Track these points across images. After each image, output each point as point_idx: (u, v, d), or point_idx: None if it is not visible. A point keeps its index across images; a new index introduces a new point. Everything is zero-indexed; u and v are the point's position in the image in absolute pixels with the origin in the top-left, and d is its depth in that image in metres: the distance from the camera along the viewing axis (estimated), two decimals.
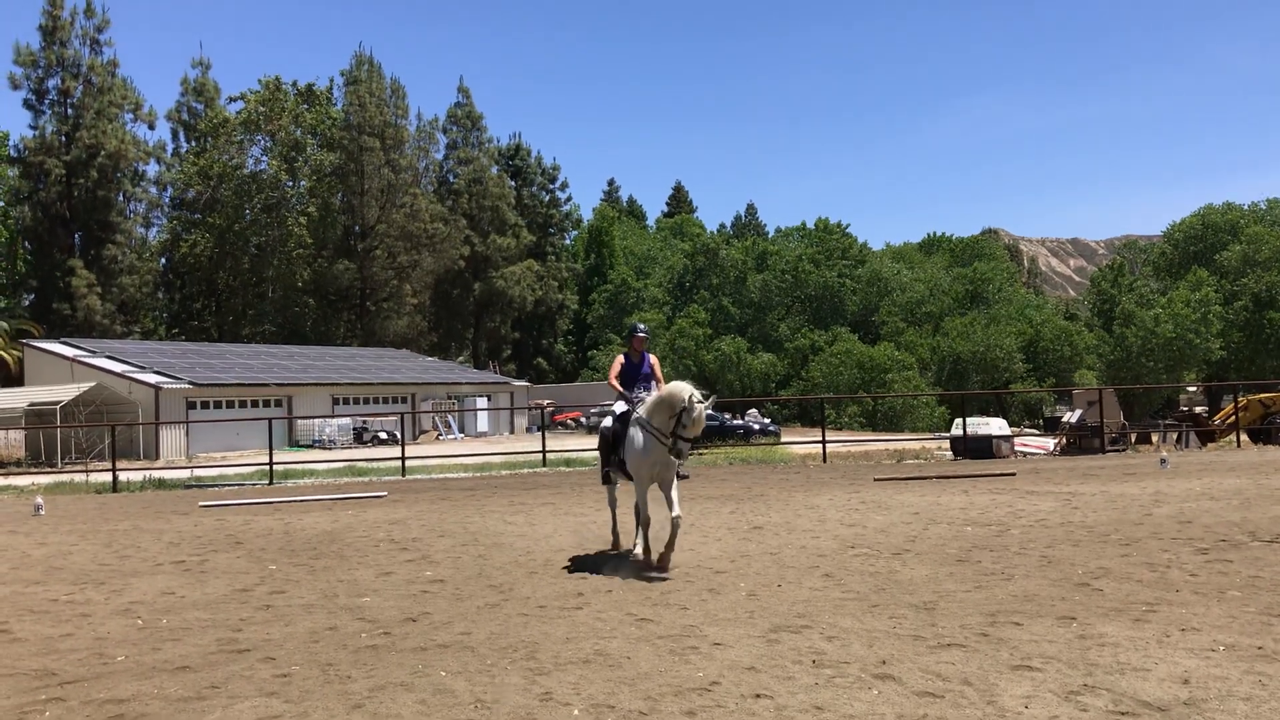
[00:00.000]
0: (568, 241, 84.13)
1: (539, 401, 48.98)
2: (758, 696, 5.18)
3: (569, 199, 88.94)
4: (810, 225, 77.44)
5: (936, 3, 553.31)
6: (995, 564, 8.70)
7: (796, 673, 5.58)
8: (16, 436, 39.69)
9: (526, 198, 78.33)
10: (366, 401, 47.37)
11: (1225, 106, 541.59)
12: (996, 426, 26.29)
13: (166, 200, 65.93)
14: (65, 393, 36.65)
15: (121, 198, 60.27)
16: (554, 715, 5.02)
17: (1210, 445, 25.75)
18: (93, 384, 37.57)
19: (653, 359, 9.94)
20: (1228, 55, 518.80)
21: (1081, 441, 24.90)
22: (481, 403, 51.96)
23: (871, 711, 4.93)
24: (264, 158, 66.03)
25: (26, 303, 58.76)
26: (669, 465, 8.72)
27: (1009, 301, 68.50)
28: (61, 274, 55.55)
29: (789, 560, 9.23)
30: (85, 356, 41.31)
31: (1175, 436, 28.43)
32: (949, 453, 24.79)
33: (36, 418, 36.06)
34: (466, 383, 54.01)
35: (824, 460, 22.83)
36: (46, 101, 57.67)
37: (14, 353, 46.96)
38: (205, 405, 40.17)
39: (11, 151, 58.31)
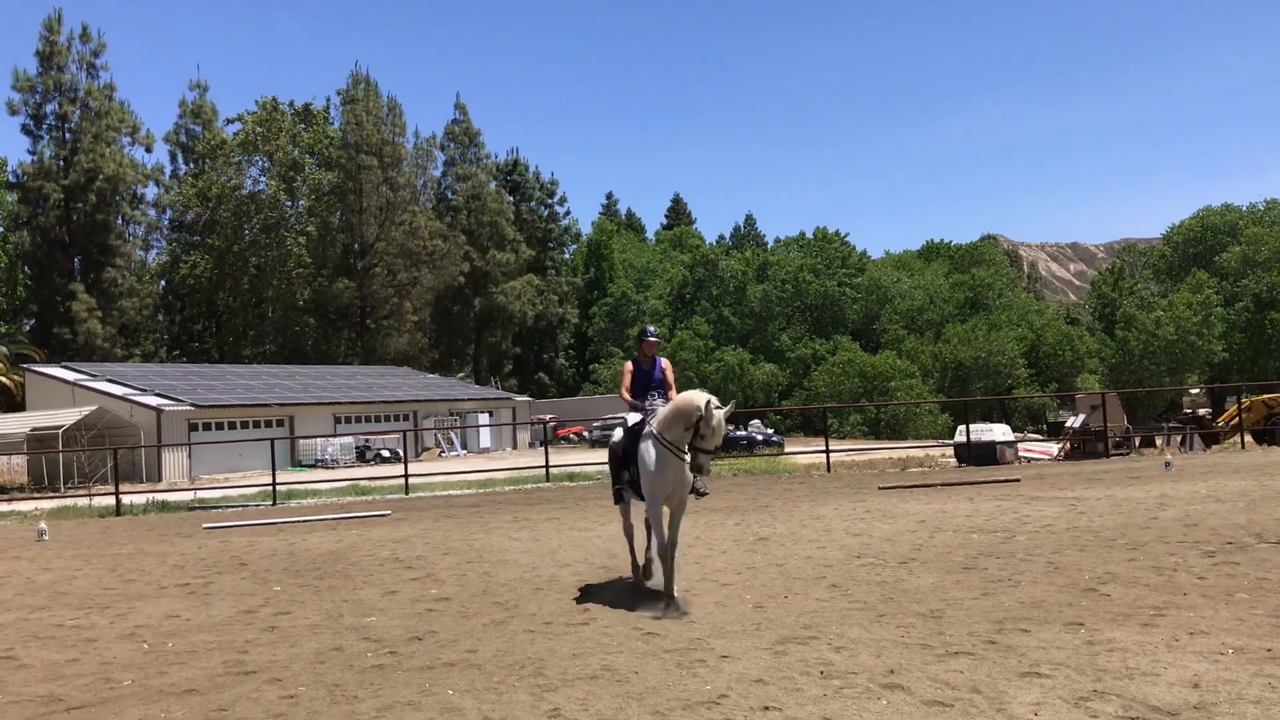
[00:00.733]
0: (567, 255, 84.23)
1: (541, 416, 49.01)
2: (766, 709, 5.16)
3: (568, 213, 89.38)
4: (809, 234, 77.59)
5: (933, 8, 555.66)
6: (1002, 571, 8.68)
7: (805, 684, 5.56)
8: (19, 462, 39.60)
9: (525, 213, 78.45)
10: (368, 420, 47.33)
11: (1223, 109, 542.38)
12: (1000, 432, 26.21)
13: (165, 222, 66.19)
14: (67, 417, 36.66)
15: (120, 221, 60.43)
16: None
17: (1215, 447, 25.73)
18: (94, 408, 37.58)
19: (664, 363, 9.21)
20: (1223, 58, 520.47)
21: (1085, 446, 24.87)
22: (484, 419, 51.94)
23: None
24: (262, 178, 66.25)
25: (27, 328, 58.87)
26: (684, 484, 7.92)
27: (1010, 307, 68.55)
28: (62, 298, 55.68)
29: (795, 571, 9.21)
30: (86, 380, 41.33)
31: (1179, 439, 28.42)
32: (954, 460, 24.74)
33: (38, 443, 36.05)
34: (468, 399, 53.99)
35: (828, 470, 22.84)
36: (44, 126, 57.89)
37: (15, 378, 46.95)
38: (207, 427, 40.19)
39: (10, 177, 58.55)
